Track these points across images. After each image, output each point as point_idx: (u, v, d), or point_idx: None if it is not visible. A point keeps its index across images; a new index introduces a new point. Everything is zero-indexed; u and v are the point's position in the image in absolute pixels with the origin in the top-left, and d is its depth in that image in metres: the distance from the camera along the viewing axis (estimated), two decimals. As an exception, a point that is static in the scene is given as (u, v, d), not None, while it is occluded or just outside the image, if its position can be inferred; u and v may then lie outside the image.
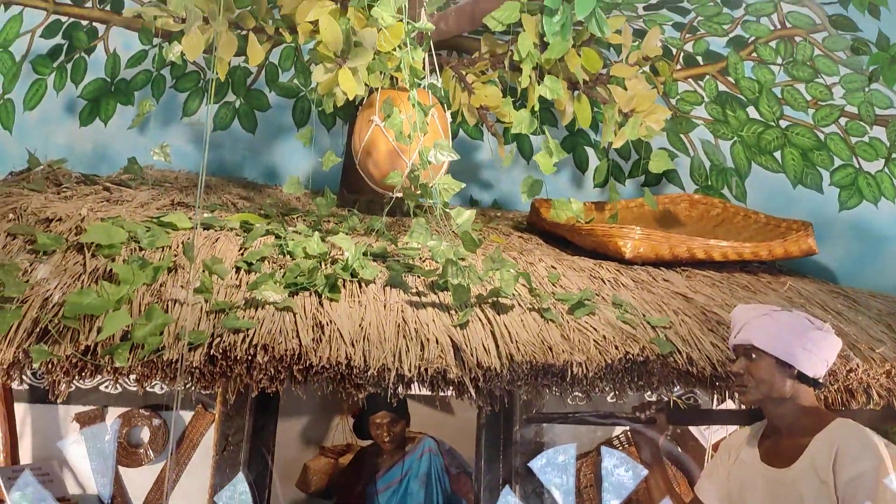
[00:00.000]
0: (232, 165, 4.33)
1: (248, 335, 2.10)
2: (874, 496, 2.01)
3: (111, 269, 2.23)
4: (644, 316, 2.64)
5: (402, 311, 2.40)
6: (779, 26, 3.62)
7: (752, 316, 2.32)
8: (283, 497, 4.24)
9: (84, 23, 3.67)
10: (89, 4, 3.64)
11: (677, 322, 2.66)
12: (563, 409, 2.97)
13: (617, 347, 2.40)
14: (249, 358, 2.07)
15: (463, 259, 2.70)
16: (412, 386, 2.25)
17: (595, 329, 2.48)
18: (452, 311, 2.45)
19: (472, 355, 2.26)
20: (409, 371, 2.17)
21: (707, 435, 3.25)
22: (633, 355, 2.39)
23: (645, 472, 2.65)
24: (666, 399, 2.62)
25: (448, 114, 3.52)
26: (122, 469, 2.86)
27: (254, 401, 2.86)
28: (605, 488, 2.98)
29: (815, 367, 2.23)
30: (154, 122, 4.14)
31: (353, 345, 2.19)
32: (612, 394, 2.72)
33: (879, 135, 3.53)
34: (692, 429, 3.31)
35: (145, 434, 2.89)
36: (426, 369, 2.20)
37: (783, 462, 2.19)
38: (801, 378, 2.23)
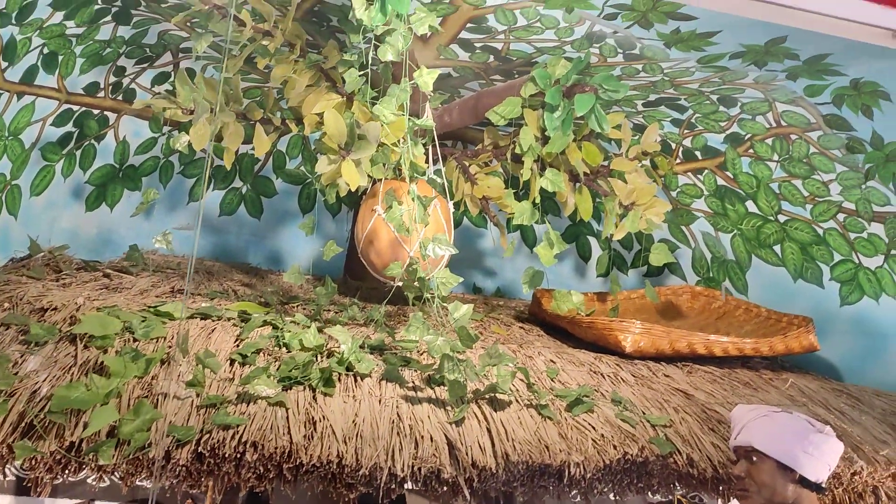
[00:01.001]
0: (236, 250, 4.37)
1: (237, 432, 2.06)
2: None
3: (103, 361, 2.21)
4: (644, 413, 2.59)
5: (398, 407, 2.36)
6: (774, 125, 3.69)
7: (751, 417, 2.28)
8: None
9: (95, 111, 3.77)
10: (101, 94, 3.75)
11: (677, 420, 2.60)
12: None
13: (615, 447, 2.34)
14: (238, 456, 2.02)
15: (462, 352, 2.68)
16: (405, 484, 2.19)
17: (593, 427, 2.43)
18: (448, 407, 2.41)
19: (467, 454, 2.21)
20: (403, 470, 2.12)
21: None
22: (632, 455, 2.33)
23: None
24: (670, 499, 2.54)
25: (451, 204, 3.58)
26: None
27: (245, 497, 2.78)
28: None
29: (817, 472, 2.18)
30: (160, 207, 4.20)
31: (345, 442, 2.14)
32: (612, 494, 2.64)
33: (878, 231, 3.54)
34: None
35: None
36: (419, 468, 2.14)
37: (788, 571, 2.11)
38: (804, 482, 2.18)
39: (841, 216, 3.64)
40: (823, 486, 2.21)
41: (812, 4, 1.68)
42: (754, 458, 2.22)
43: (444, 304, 2.44)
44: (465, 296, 4.43)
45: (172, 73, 3.87)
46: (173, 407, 2.14)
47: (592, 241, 4.60)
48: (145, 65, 3.81)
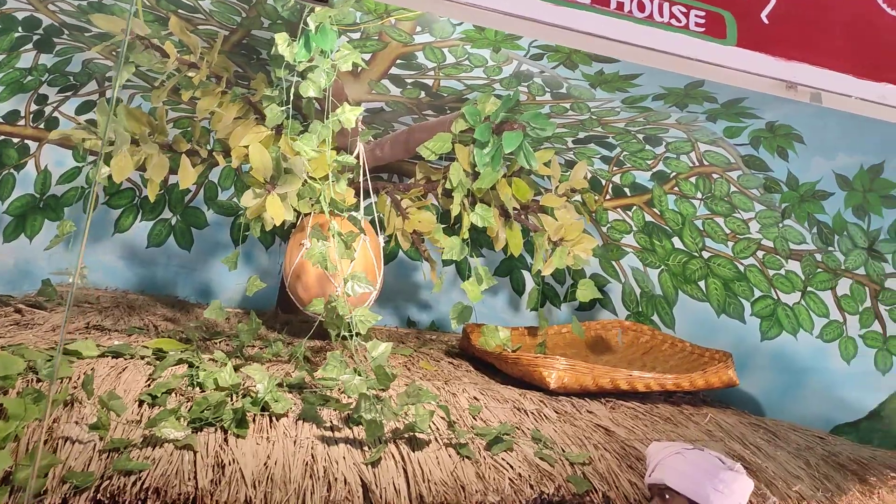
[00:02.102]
0: (164, 283, 4.27)
1: (140, 477, 1.99)
2: None
3: (2, 403, 2.12)
4: (563, 451, 2.60)
5: (313, 448, 2.31)
6: (697, 164, 3.81)
7: (664, 455, 2.31)
8: None
9: (15, 140, 3.67)
10: (22, 122, 3.66)
11: (597, 457, 2.62)
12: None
13: (532, 486, 2.34)
14: (140, 502, 1.95)
15: (385, 389, 2.65)
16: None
17: (511, 466, 2.42)
18: (366, 447, 2.38)
19: (381, 497, 2.17)
20: (313, 515, 2.07)
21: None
22: (548, 495, 2.33)
23: None
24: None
25: (382, 238, 3.57)
26: None
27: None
28: None
29: (726, 510, 2.21)
30: (84, 238, 4.09)
31: (254, 486, 2.09)
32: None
33: (795, 268, 3.66)
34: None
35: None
36: (331, 513, 2.10)
37: None
38: (713, 520, 2.20)
39: (760, 253, 3.75)
40: (733, 524, 2.24)
41: (707, 55, 1.75)
42: (667, 496, 2.25)
43: (363, 343, 2.41)
44: (399, 329, 4.41)
45: (98, 101, 3.79)
46: (74, 451, 2.06)
47: (526, 274, 4.64)
48: (69, 93, 3.73)
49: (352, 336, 2.45)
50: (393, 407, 2.40)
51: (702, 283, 3.99)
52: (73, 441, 2.10)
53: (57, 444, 2.08)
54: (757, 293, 3.78)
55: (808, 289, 3.61)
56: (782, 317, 3.69)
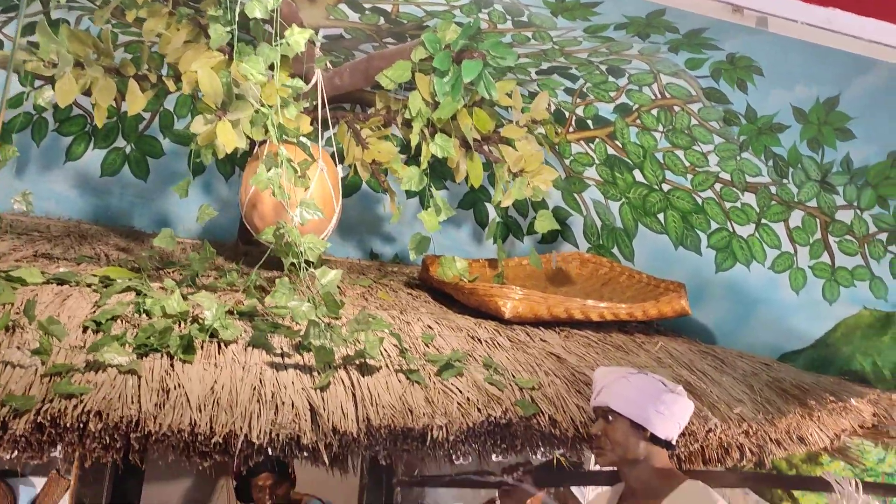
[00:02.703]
0: (119, 213, 4.18)
1: (81, 401, 1.99)
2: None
3: (-59, 329, 2.09)
4: (514, 377, 2.64)
5: (261, 374, 2.32)
6: (659, 96, 3.78)
7: (610, 379, 2.36)
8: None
9: (-45, 63, 3.51)
10: (-39, 45, 3.51)
11: (546, 383, 2.67)
12: (447, 471, 2.93)
13: (480, 410, 2.38)
14: (81, 426, 1.95)
15: (337, 318, 2.65)
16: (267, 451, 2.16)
17: (460, 391, 2.46)
18: (315, 374, 2.39)
19: (328, 420, 2.20)
20: (259, 437, 2.09)
21: (585, 493, 3.26)
22: (495, 417, 2.38)
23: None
24: (535, 461, 2.61)
25: (340, 168, 3.52)
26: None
27: (114, 466, 2.70)
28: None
29: (667, 430, 2.28)
30: (34, 166, 3.98)
31: (199, 410, 2.10)
32: (497, 454, 2.68)
33: (750, 201, 3.70)
34: (574, 489, 3.32)
35: (-12, 503, 2.69)
36: (278, 434, 2.12)
37: (637, 524, 2.21)
38: (654, 440, 2.27)
39: (718, 186, 3.77)
40: (673, 443, 2.32)
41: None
42: (610, 418, 2.30)
43: (312, 270, 2.40)
44: (361, 261, 4.40)
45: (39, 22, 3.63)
46: (16, 376, 2.05)
47: (490, 207, 4.63)
48: (12, 14, 3.56)
49: (300, 264, 2.43)
50: (343, 334, 2.40)
51: (661, 216, 4.01)
52: (15, 366, 2.09)
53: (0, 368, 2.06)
54: (713, 225, 3.82)
55: (762, 221, 3.65)
56: (736, 248, 3.74)
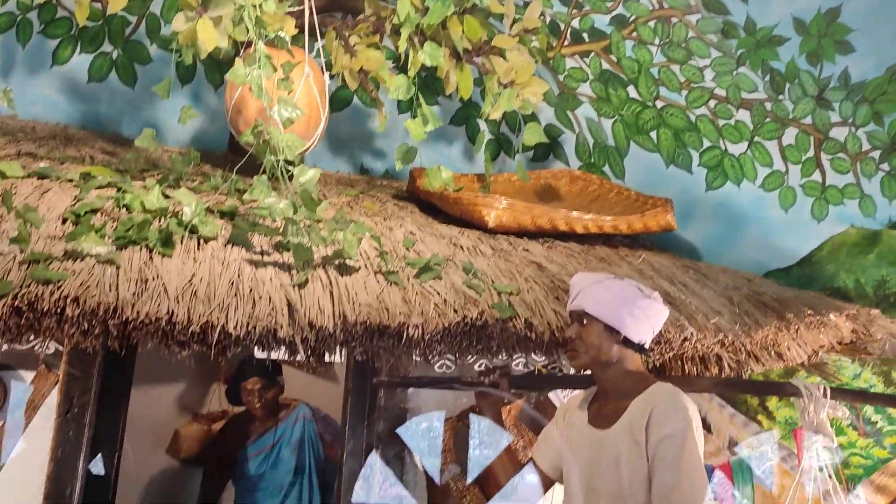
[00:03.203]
0: (107, 119, 4.14)
1: (58, 287, 2.01)
2: (680, 456, 2.09)
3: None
4: (493, 283, 2.66)
5: (240, 270, 2.34)
6: (657, 6, 3.68)
7: (586, 283, 2.37)
8: (150, 463, 4.16)
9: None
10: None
11: (525, 289, 2.69)
12: (429, 374, 2.98)
13: (456, 311, 2.41)
14: (59, 311, 1.99)
15: (319, 221, 2.65)
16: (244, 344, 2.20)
17: (438, 293, 2.48)
18: (294, 272, 2.41)
19: (304, 315, 2.23)
20: (236, 329, 2.13)
21: (563, 398, 3.33)
22: (471, 319, 2.40)
23: (507, 439, 2.70)
24: (509, 365, 2.66)
25: (327, 76, 3.46)
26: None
27: (102, 362, 2.76)
28: (467, 454, 3.02)
29: (640, 333, 2.29)
30: (21, 68, 3.92)
31: (177, 300, 2.13)
32: (476, 358, 2.72)
33: (744, 118, 3.64)
34: (552, 395, 3.38)
35: (-22, 393, 2.76)
36: (254, 327, 2.16)
37: (606, 423, 2.26)
38: (627, 343, 2.29)
39: (712, 103, 3.72)
40: (646, 346, 2.34)
41: None
42: (584, 321, 2.31)
43: (290, 169, 2.39)
44: (351, 175, 4.38)
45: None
46: (-6, 263, 2.07)
47: (483, 124, 4.57)
48: None
49: (279, 162, 2.42)
50: (321, 233, 2.41)
51: (653, 134, 3.96)
52: (-6, 254, 2.11)
53: (-24, 255, 2.08)
54: (706, 143, 3.78)
55: (755, 139, 3.61)
56: (728, 167, 3.72)
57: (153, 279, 2.17)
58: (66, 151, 3.18)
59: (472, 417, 3.23)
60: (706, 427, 3.58)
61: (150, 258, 2.26)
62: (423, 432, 3.20)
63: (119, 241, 2.26)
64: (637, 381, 2.28)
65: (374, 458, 3.11)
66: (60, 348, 2.70)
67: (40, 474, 2.59)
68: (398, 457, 3.07)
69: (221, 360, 4.28)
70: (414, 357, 2.50)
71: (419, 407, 3.28)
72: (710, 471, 3.61)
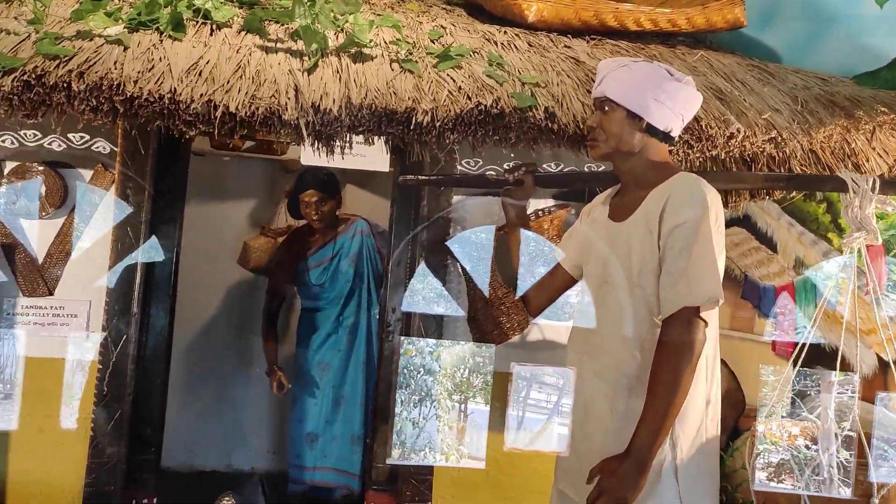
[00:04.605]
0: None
1: (64, 62, 2.06)
2: (692, 244, 1.96)
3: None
4: (520, 74, 2.50)
5: (250, 55, 2.32)
6: None
7: (612, 68, 2.18)
8: (225, 270, 4.48)
9: None
10: None
11: (555, 82, 2.52)
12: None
13: (470, 98, 2.30)
14: (65, 85, 2.05)
15: (329, 2, 2.54)
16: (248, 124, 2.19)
17: (454, 80, 2.37)
18: (306, 59, 2.36)
19: (308, 98, 2.19)
20: (239, 108, 2.13)
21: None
22: (485, 107, 2.29)
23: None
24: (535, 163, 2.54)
25: None
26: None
27: (156, 161, 2.88)
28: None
29: (666, 120, 2.11)
30: None
31: (181, 80, 2.14)
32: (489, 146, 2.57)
33: None
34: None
35: (41, 188, 2.96)
36: (258, 108, 2.15)
37: (624, 215, 2.15)
38: (652, 131, 2.12)
39: None
40: (672, 135, 2.16)
41: None
42: (606, 108, 2.15)
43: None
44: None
45: None
46: (10, 42, 2.14)
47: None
48: None
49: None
50: (330, 15, 2.32)
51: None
52: (10, 33, 2.17)
53: (-7, 34, 2.15)
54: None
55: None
56: (818, -46, 3.22)
57: (160, 60, 2.18)
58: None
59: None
60: (772, 247, 3.38)
61: (161, 41, 2.27)
62: (471, 244, 3.20)
63: (131, 22, 2.27)
64: (660, 172, 2.12)
65: (423, 270, 3.17)
66: (115, 148, 2.86)
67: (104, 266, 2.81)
68: (442, 265, 3.10)
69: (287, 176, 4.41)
70: (434, 150, 2.43)
71: (464, 217, 3.26)
72: (773, 292, 3.45)
